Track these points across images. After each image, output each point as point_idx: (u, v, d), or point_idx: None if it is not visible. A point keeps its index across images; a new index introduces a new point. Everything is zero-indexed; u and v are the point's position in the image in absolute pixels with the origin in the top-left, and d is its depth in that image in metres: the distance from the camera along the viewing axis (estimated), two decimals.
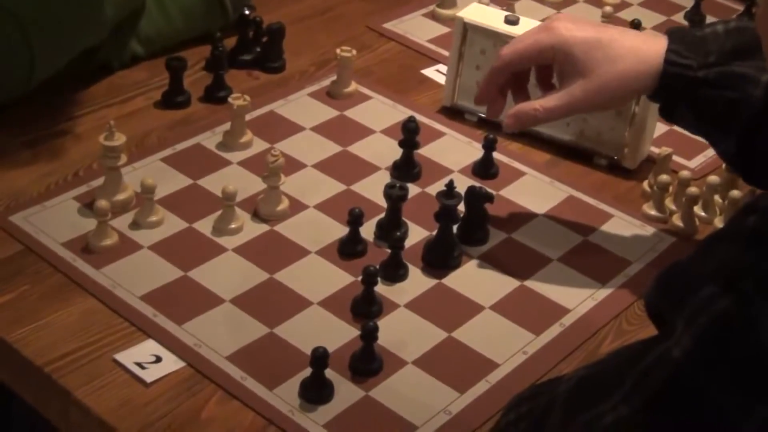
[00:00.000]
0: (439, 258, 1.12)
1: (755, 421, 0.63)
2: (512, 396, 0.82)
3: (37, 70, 1.19)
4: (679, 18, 1.64)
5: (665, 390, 0.66)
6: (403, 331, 1.04)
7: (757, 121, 1.02)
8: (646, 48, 1.05)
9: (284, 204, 1.16)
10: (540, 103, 1.09)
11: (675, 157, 1.28)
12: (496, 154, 1.26)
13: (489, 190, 1.15)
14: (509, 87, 1.14)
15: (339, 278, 1.09)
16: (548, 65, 1.12)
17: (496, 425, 0.82)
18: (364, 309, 1.04)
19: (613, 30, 1.09)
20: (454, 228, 1.12)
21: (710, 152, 1.34)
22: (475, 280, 1.11)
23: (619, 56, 1.04)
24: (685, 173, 1.24)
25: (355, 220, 1.11)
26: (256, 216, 1.15)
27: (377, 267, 1.04)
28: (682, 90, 1.05)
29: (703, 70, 1.03)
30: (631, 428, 0.67)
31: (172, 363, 0.98)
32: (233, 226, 1.13)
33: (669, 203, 1.23)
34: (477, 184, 1.23)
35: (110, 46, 1.33)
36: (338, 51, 1.35)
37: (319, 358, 0.94)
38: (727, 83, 1.02)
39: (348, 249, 1.12)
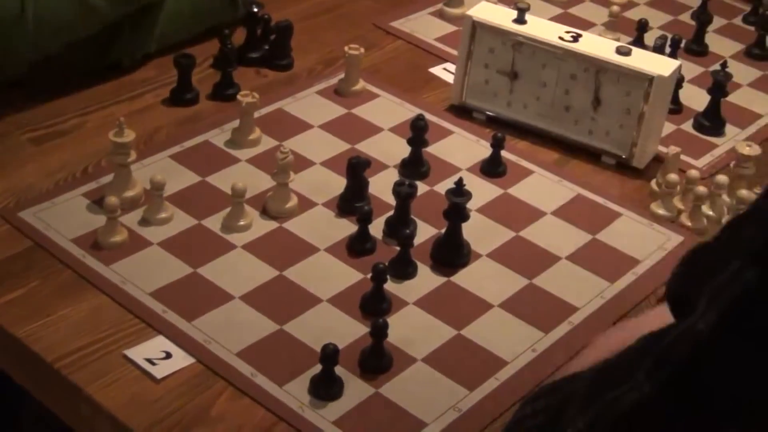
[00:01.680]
0: (448, 256, 1.12)
1: None
2: (522, 394, 0.82)
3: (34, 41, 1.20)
4: (686, 17, 1.64)
5: (689, 365, 0.65)
6: (413, 329, 1.04)
7: None
8: None
9: (293, 201, 1.16)
10: None
11: (683, 157, 1.28)
12: (504, 153, 1.27)
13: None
14: None
15: (348, 275, 1.09)
16: None
17: (513, 417, 0.81)
18: (374, 306, 1.05)
19: None
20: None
21: (718, 152, 1.35)
22: (483, 278, 1.11)
23: None
24: (692, 172, 1.24)
25: (364, 217, 1.11)
26: (265, 213, 1.16)
27: (386, 264, 1.04)
28: None
29: None
30: (653, 407, 0.66)
31: (182, 359, 0.98)
32: (242, 223, 1.13)
33: (677, 202, 1.23)
34: (487, 182, 1.24)
35: (125, 44, 1.33)
36: (346, 49, 1.36)
37: (329, 355, 0.94)
38: None
39: (357, 246, 1.12)
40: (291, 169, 1.15)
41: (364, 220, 1.11)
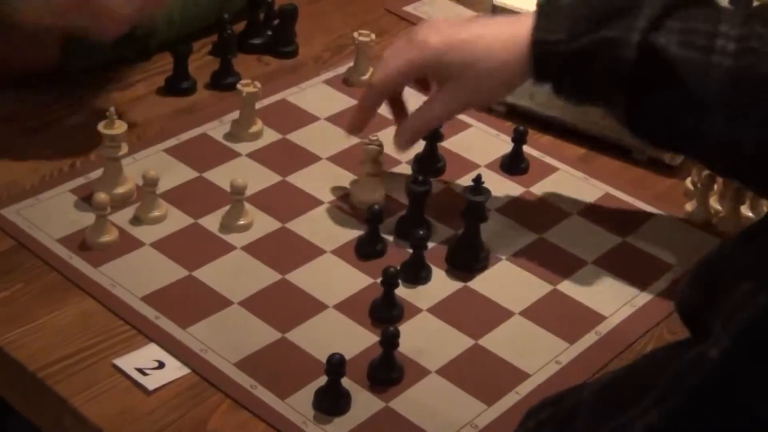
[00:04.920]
0: (465, 259, 1.12)
1: None
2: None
3: None
4: None
5: (701, 393, 0.66)
6: (426, 338, 1.03)
7: (636, 86, 1.03)
8: (513, 34, 1.08)
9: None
10: (424, 114, 1.13)
11: None
12: (526, 148, 1.26)
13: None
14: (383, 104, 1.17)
15: (356, 280, 1.09)
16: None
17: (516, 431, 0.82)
18: (384, 313, 1.04)
19: (479, 24, 1.12)
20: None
21: None
22: (503, 283, 1.11)
23: (487, 52, 1.08)
24: None
25: (374, 217, 1.11)
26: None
27: (398, 268, 1.04)
28: (558, 67, 1.07)
29: (573, 42, 1.04)
30: None
31: (175, 369, 0.98)
32: (242, 222, 1.13)
33: (714, 202, 1.22)
34: (507, 179, 1.24)
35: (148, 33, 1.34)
36: (356, 35, 1.35)
37: (336, 365, 0.94)
38: (597, 51, 1.03)
39: (366, 249, 1.12)
40: (297, 166, 1.15)
41: (375, 220, 1.11)
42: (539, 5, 1.09)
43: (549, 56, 1.06)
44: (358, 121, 1.16)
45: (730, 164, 1.04)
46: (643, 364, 0.75)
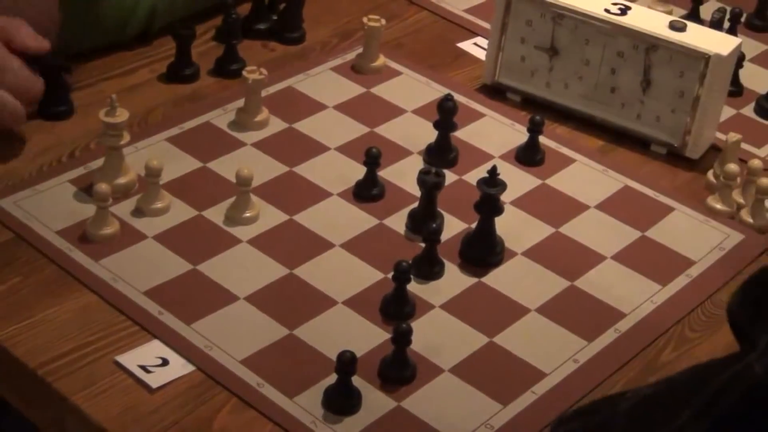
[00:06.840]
0: (479, 253, 1.12)
1: None
2: (562, 410, 0.82)
3: None
4: None
5: (740, 411, 0.65)
6: (439, 335, 1.04)
7: None
8: None
9: None
10: None
11: (743, 145, 1.27)
12: (542, 139, 1.26)
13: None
14: None
15: (367, 274, 1.09)
16: None
17: None
18: (396, 309, 1.04)
19: None
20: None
21: None
22: (519, 278, 1.11)
23: None
24: (754, 162, 1.23)
25: (372, 160, 1.14)
26: None
27: (410, 263, 1.04)
28: None
29: None
30: None
31: (180, 367, 0.98)
32: (248, 214, 1.13)
33: (737, 196, 1.22)
34: (523, 171, 1.24)
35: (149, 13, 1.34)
36: (365, 20, 1.36)
37: (346, 363, 0.94)
38: None
39: (363, 192, 1.16)
40: (300, 155, 1.15)
41: (373, 162, 1.16)
42: None
43: None
44: None
45: None
46: (682, 379, 0.73)
